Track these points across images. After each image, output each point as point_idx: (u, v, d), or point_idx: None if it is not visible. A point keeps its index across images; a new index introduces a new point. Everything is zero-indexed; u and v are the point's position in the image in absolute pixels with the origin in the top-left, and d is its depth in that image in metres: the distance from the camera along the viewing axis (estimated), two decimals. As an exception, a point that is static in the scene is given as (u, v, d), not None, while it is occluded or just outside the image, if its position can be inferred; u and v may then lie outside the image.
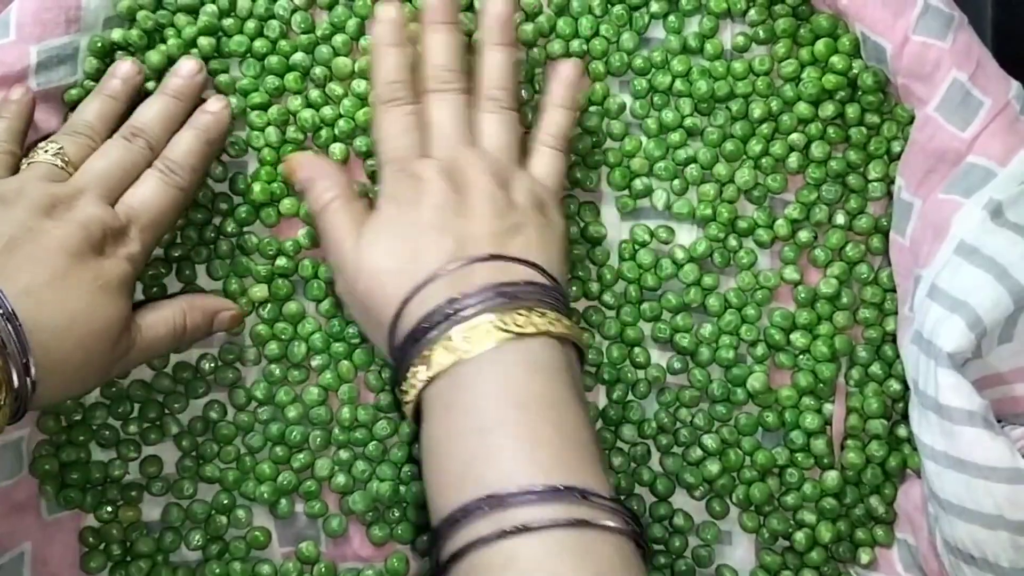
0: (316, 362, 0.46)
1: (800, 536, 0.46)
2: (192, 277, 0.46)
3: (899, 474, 0.47)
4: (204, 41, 0.45)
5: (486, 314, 0.37)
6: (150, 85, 0.45)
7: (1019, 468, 0.39)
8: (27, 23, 0.43)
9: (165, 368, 0.45)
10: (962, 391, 0.40)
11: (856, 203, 0.47)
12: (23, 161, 0.42)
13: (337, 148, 0.46)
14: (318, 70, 0.46)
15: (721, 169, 0.47)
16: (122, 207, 0.41)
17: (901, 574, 0.46)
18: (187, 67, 0.44)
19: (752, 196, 0.47)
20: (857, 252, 0.47)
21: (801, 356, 0.47)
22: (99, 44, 0.44)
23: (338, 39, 0.46)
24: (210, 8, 0.46)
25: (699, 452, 0.46)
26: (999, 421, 0.41)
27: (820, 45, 0.46)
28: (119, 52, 0.45)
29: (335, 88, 0.46)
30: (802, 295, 0.47)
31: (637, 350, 0.47)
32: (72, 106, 0.44)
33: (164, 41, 0.45)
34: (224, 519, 0.45)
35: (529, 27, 0.46)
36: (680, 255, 0.47)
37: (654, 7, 0.47)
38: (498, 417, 0.36)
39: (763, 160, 0.47)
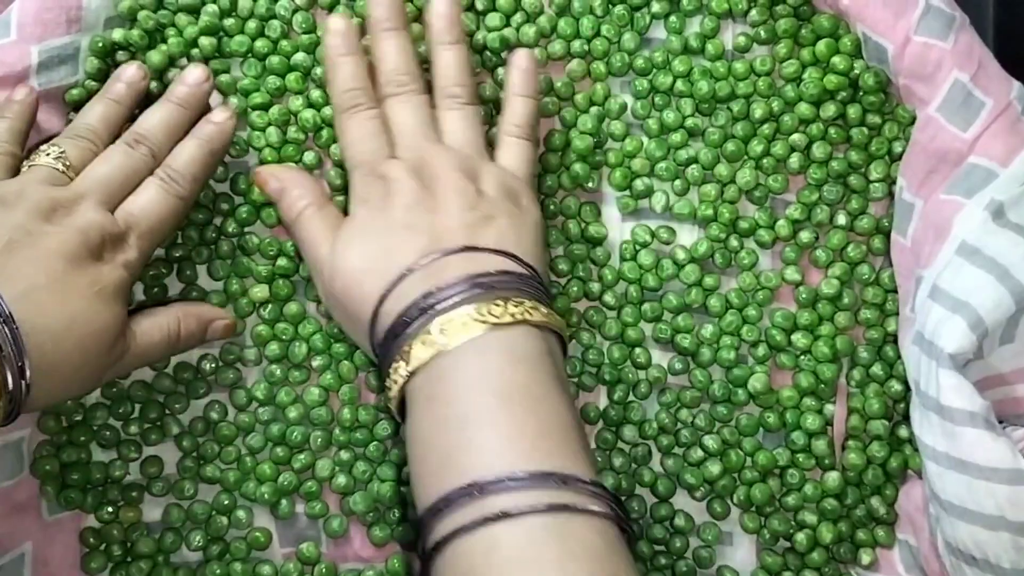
0: (317, 363, 0.46)
1: (801, 537, 0.46)
2: (193, 277, 0.45)
3: (900, 475, 0.47)
4: (205, 41, 0.45)
5: (462, 306, 0.38)
6: (152, 86, 0.45)
7: (1020, 469, 0.39)
8: (28, 23, 0.43)
9: (166, 369, 0.45)
10: (963, 392, 0.40)
11: (857, 204, 0.47)
12: (24, 163, 0.42)
13: (338, 149, 0.45)
14: (319, 70, 0.46)
15: (722, 169, 0.47)
16: (122, 214, 0.41)
17: (902, 575, 0.46)
18: (194, 75, 0.44)
19: (753, 196, 0.47)
20: (858, 253, 0.47)
21: (802, 357, 0.47)
22: (100, 44, 0.44)
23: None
24: (211, 8, 0.46)
25: (700, 453, 0.46)
26: (1000, 422, 0.41)
27: (821, 45, 0.46)
28: (120, 52, 0.45)
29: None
30: (803, 296, 0.47)
31: (638, 351, 0.47)
32: (73, 106, 0.44)
33: (165, 41, 0.45)
34: (225, 520, 0.45)
35: (531, 29, 0.46)
36: (681, 256, 0.47)
37: (655, 7, 0.47)
38: (478, 407, 0.36)
39: (764, 160, 0.47)
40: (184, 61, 0.46)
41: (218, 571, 0.45)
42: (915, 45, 0.44)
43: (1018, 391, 0.42)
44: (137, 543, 0.45)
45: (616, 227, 0.47)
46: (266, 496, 0.45)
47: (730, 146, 0.47)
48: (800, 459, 0.46)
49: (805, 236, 0.47)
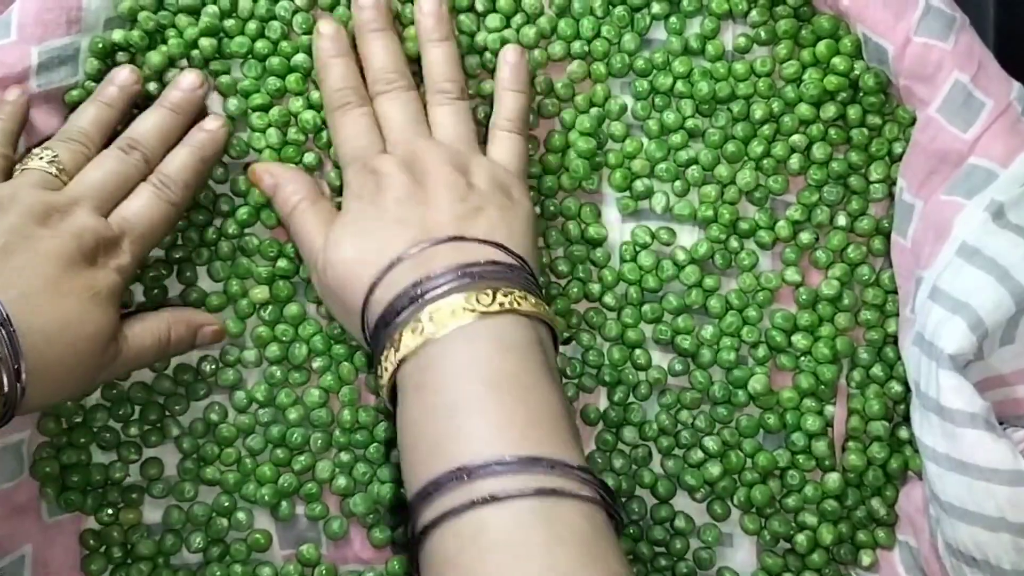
0: (317, 364, 0.46)
1: (801, 538, 0.46)
2: (193, 279, 0.45)
3: (900, 476, 0.47)
4: (205, 42, 0.45)
5: (451, 295, 0.38)
6: (152, 87, 0.45)
7: (1021, 470, 0.39)
8: (28, 24, 0.43)
9: (166, 370, 0.45)
10: (964, 393, 0.40)
11: (857, 204, 0.47)
12: (16, 166, 0.42)
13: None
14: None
15: (722, 170, 0.47)
16: (116, 219, 0.42)
17: (902, 576, 0.46)
18: (188, 80, 0.44)
19: (753, 197, 0.47)
20: (858, 254, 0.47)
21: (802, 358, 0.47)
22: (100, 45, 0.44)
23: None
24: (211, 9, 0.46)
25: (700, 454, 0.46)
26: (1001, 423, 0.41)
27: (822, 46, 0.46)
28: (120, 53, 0.45)
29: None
30: (803, 297, 0.47)
31: (638, 352, 0.47)
32: (73, 107, 0.44)
33: (165, 42, 0.45)
34: (225, 521, 0.45)
35: (531, 30, 0.46)
36: (681, 257, 0.47)
37: (655, 8, 0.47)
38: (467, 395, 0.37)
39: (764, 161, 0.47)
40: (184, 62, 0.46)
41: (218, 573, 0.45)
42: (915, 46, 0.44)
43: (1018, 392, 0.42)
44: (137, 545, 0.45)
45: (616, 228, 0.47)
46: (266, 498, 0.45)
47: (730, 147, 0.47)
48: (800, 460, 0.46)
49: (805, 237, 0.47)
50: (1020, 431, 0.41)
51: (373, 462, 0.45)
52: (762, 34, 0.47)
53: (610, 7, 0.47)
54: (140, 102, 0.45)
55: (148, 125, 0.43)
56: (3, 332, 0.36)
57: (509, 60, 0.45)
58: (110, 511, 0.45)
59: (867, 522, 0.47)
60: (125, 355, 0.41)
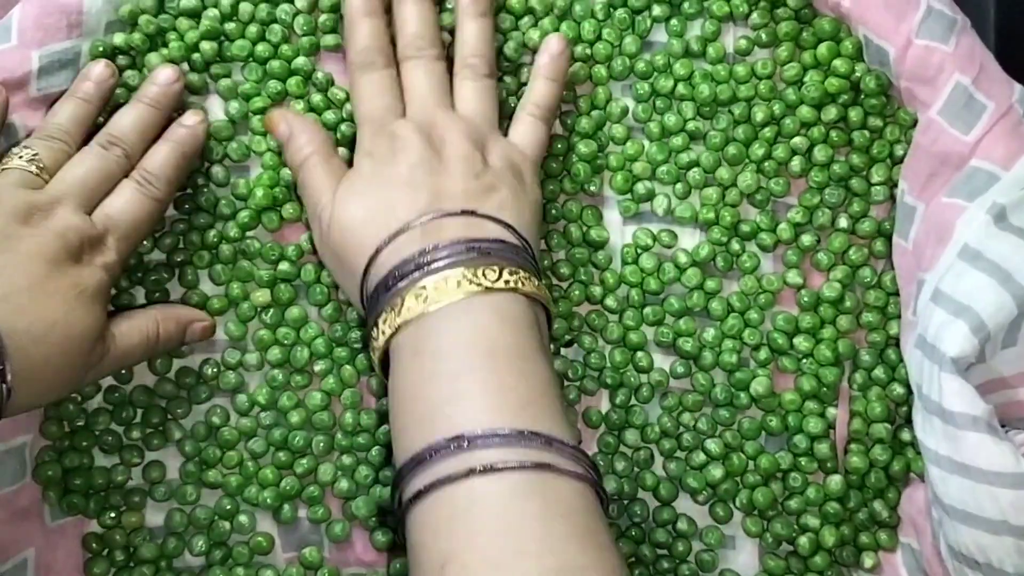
0: (319, 367, 0.46)
1: (804, 540, 0.46)
2: (195, 282, 0.45)
3: (903, 478, 0.47)
4: (206, 45, 0.45)
5: (457, 267, 0.38)
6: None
7: (1023, 473, 0.39)
8: (29, 28, 0.43)
9: (168, 373, 0.45)
10: (966, 396, 0.40)
11: (859, 207, 0.47)
12: None
13: (341, 152, 0.45)
14: (320, 74, 0.46)
15: (724, 173, 0.47)
16: (100, 216, 0.41)
17: (905, 578, 0.46)
18: (164, 75, 0.44)
19: (755, 200, 0.47)
20: (860, 256, 0.47)
21: (804, 360, 0.47)
22: (101, 49, 0.44)
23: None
24: (212, 12, 0.46)
25: (702, 456, 0.46)
26: (1003, 426, 0.41)
27: (823, 48, 0.46)
28: (121, 56, 0.45)
29: (337, 92, 0.46)
30: (805, 299, 0.47)
31: (640, 354, 0.47)
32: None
33: (166, 45, 0.45)
34: (227, 524, 0.45)
35: (536, 33, 0.46)
36: (683, 259, 0.47)
37: (656, 11, 0.47)
38: (466, 363, 0.37)
39: (766, 164, 0.47)
40: (185, 65, 0.46)
41: (220, 576, 0.45)
42: (916, 48, 0.44)
43: (1020, 395, 0.42)
44: (140, 548, 0.45)
45: (618, 231, 0.47)
46: (268, 501, 0.45)
47: (731, 149, 0.47)
48: (802, 463, 0.46)
49: (807, 239, 0.47)
50: (1022, 434, 0.41)
51: (375, 465, 0.45)
52: (763, 36, 0.47)
53: (611, 10, 0.47)
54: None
55: (127, 120, 0.43)
56: None
57: (551, 49, 0.45)
58: (112, 514, 0.45)
59: (869, 524, 0.47)
60: (113, 354, 0.41)
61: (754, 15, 0.47)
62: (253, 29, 0.46)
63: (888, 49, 0.44)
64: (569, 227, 0.47)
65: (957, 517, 0.40)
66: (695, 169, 0.47)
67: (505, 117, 0.46)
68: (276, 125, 0.44)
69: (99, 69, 0.44)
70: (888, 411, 0.46)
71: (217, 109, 0.46)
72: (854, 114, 0.46)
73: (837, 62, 0.46)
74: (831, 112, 0.46)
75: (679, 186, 0.47)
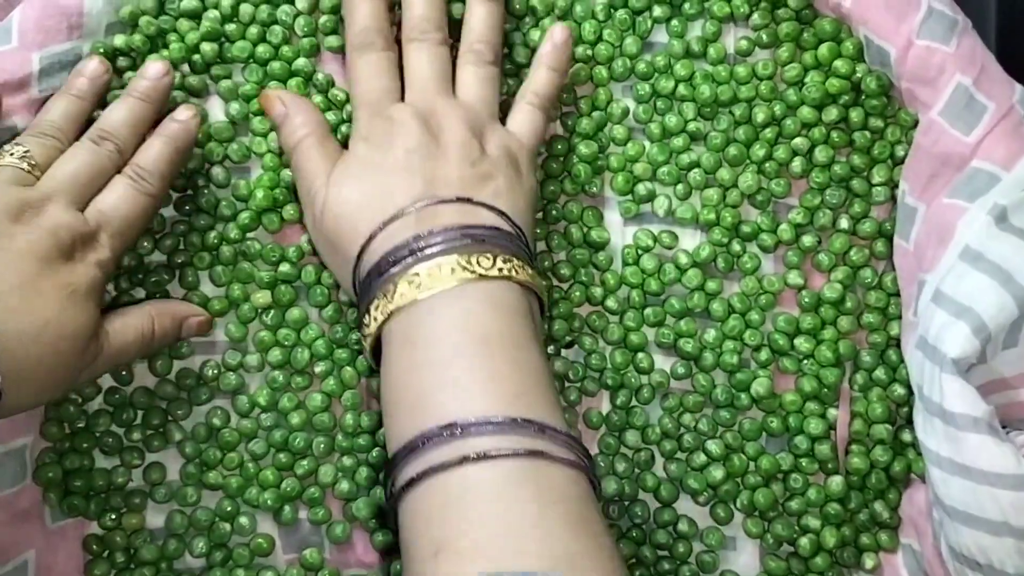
0: (319, 368, 0.46)
1: (804, 541, 0.46)
2: (195, 283, 0.45)
3: (904, 479, 0.47)
4: (207, 46, 0.45)
5: (451, 254, 0.38)
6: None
7: (1024, 474, 0.39)
8: (29, 30, 0.43)
9: (168, 375, 0.45)
10: (967, 397, 0.40)
11: (860, 207, 0.47)
12: None
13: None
14: (321, 76, 0.46)
15: (724, 174, 0.47)
16: (92, 212, 0.41)
17: (906, 579, 0.46)
18: (154, 69, 0.43)
19: (755, 201, 0.47)
20: (861, 256, 0.47)
21: (805, 361, 0.47)
22: (101, 50, 0.44)
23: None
24: (212, 13, 0.46)
25: (703, 457, 0.46)
26: (1004, 427, 0.41)
27: (823, 49, 0.46)
28: (121, 58, 0.45)
29: (338, 94, 0.46)
30: (806, 300, 0.47)
31: (641, 355, 0.46)
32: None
33: (167, 47, 0.45)
34: (228, 526, 0.45)
35: (536, 33, 0.46)
36: (683, 260, 0.47)
37: (657, 11, 0.47)
38: (459, 350, 0.37)
39: (766, 164, 0.47)
40: (186, 67, 0.46)
41: (221, 577, 0.45)
42: (917, 49, 0.44)
43: (1022, 396, 0.42)
44: (140, 550, 0.45)
45: (618, 232, 0.47)
46: (269, 502, 0.45)
47: (732, 150, 0.47)
48: (803, 463, 0.46)
49: (807, 240, 0.47)
50: (1023, 435, 0.41)
51: (376, 466, 0.45)
52: (764, 37, 0.47)
53: (611, 11, 0.47)
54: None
55: (118, 115, 0.43)
56: None
57: (555, 38, 0.45)
58: (113, 516, 0.45)
59: (870, 525, 0.47)
60: (108, 352, 0.41)
61: (755, 16, 0.47)
62: (254, 30, 0.46)
63: (889, 50, 0.44)
64: (570, 228, 0.47)
65: (958, 518, 0.40)
66: (696, 170, 0.47)
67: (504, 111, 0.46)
68: (272, 105, 0.44)
69: (93, 65, 0.43)
70: (889, 412, 0.46)
71: (218, 110, 0.46)
72: (855, 115, 0.46)
73: (838, 63, 0.46)
74: (832, 113, 0.46)
75: (680, 187, 0.47)
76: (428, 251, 0.39)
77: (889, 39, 0.44)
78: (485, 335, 0.37)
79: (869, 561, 0.46)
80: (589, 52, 0.47)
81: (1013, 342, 0.41)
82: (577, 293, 0.47)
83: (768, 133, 0.47)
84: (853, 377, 0.47)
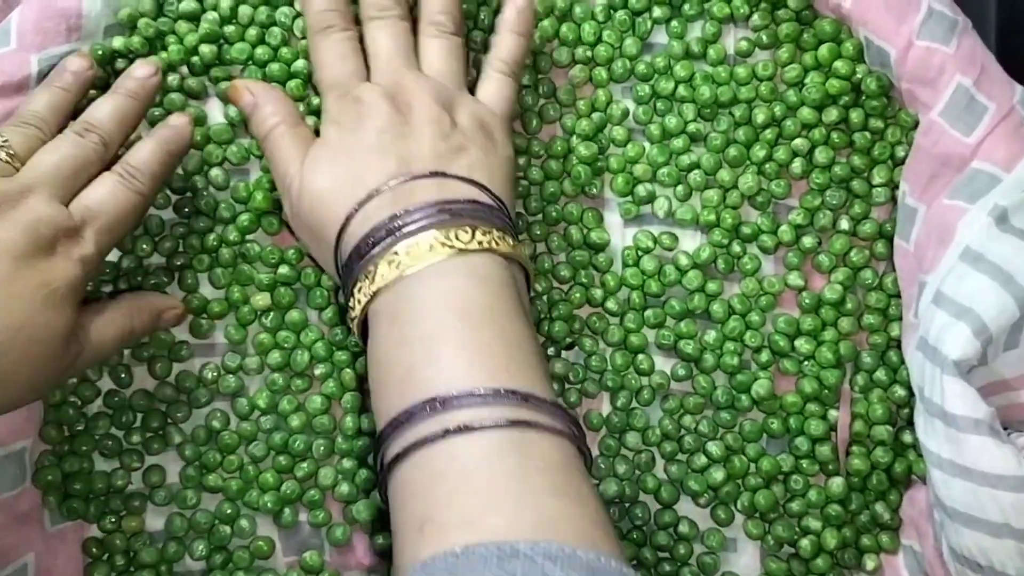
0: (319, 371, 0.45)
1: (805, 543, 0.46)
2: (195, 286, 0.45)
3: (904, 480, 0.47)
4: (206, 48, 0.45)
5: (429, 230, 0.38)
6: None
7: (1026, 475, 0.39)
8: (28, 32, 0.43)
9: (168, 377, 0.45)
10: (968, 399, 0.40)
11: (860, 208, 0.47)
12: None
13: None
14: (320, 77, 0.46)
15: (724, 175, 0.47)
16: (77, 207, 0.39)
17: (906, 581, 0.46)
18: (142, 70, 0.43)
19: (756, 202, 0.47)
20: (861, 257, 0.47)
21: (806, 362, 0.47)
22: (100, 52, 0.44)
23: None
24: (211, 15, 0.45)
25: (704, 459, 0.46)
26: (1005, 428, 0.41)
27: (823, 50, 0.46)
28: (120, 60, 0.45)
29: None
30: (806, 301, 0.47)
31: (641, 357, 0.46)
32: (74, 115, 0.44)
33: (165, 48, 0.45)
34: (228, 529, 0.45)
35: (536, 35, 0.46)
36: (684, 261, 0.47)
37: (656, 12, 0.47)
38: (442, 325, 0.37)
39: (767, 165, 0.47)
40: (184, 69, 0.46)
41: (221, 580, 0.45)
42: (917, 49, 0.44)
43: (1022, 397, 0.42)
44: (140, 553, 0.44)
45: (618, 233, 0.47)
46: (269, 505, 0.45)
47: (732, 151, 0.47)
48: (804, 465, 0.46)
49: (808, 241, 0.47)
50: (1024, 436, 0.41)
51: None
52: (764, 38, 0.47)
53: (611, 12, 0.47)
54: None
55: (104, 109, 0.42)
56: None
57: (517, 3, 0.44)
58: (112, 519, 0.44)
59: (871, 526, 0.46)
60: (88, 351, 0.40)
61: (755, 17, 0.47)
62: (252, 32, 0.46)
63: (889, 50, 0.44)
64: (570, 229, 0.47)
65: (959, 520, 0.40)
66: (696, 171, 0.47)
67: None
68: (240, 95, 0.44)
69: (78, 61, 0.42)
70: (890, 413, 0.46)
71: (216, 112, 0.46)
72: (855, 116, 0.46)
73: (838, 63, 0.46)
74: (832, 114, 0.46)
75: (680, 188, 0.47)
76: (406, 229, 0.38)
77: (889, 40, 0.44)
78: (468, 309, 0.37)
79: (870, 562, 0.46)
80: (589, 53, 0.47)
81: (1014, 343, 0.41)
82: (577, 295, 0.46)
83: (768, 134, 0.47)
84: (854, 378, 0.47)
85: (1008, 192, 0.42)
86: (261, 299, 0.45)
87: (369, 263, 0.39)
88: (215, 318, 0.45)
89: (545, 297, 0.46)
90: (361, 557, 0.46)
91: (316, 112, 0.46)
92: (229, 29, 0.46)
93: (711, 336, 0.47)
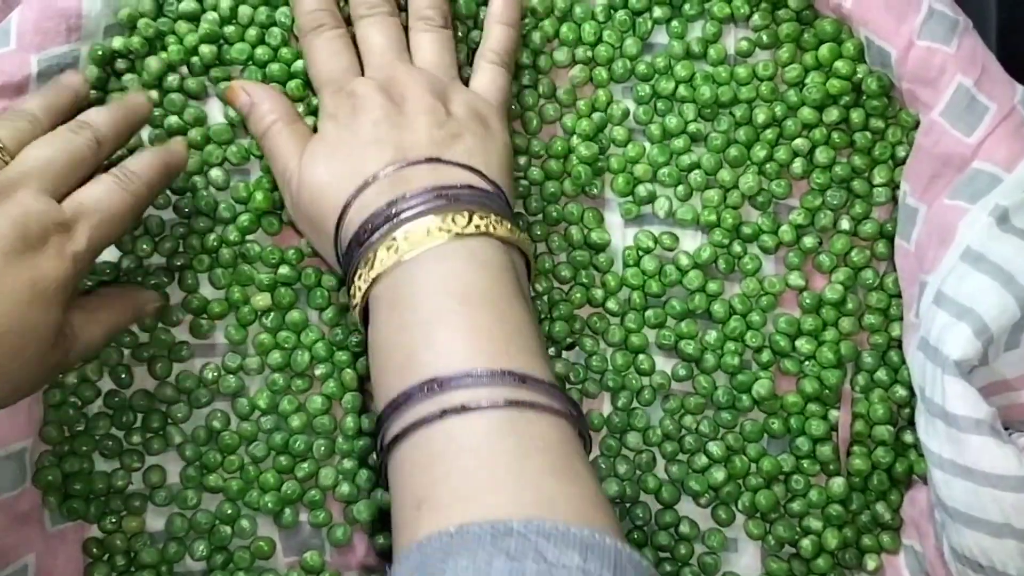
0: (319, 371, 0.45)
1: (806, 543, 0.46)
2: (195, 286, 0.45)
3: (905, 480, 0.47)
4: (205, 49, 0.45)
5: (427, 216, 0.38)
6: (152, 95, 0.45)
7: (1027, 476, 0.39)
8: (28, 32, 0.43)
9: (168, 378, 0.45)
10: (969, 399, 0.40)
11: (861, 208, 0.47)
12: None
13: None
14: (320, 77, 0.46)
15: (725, 175, 0.47)
16: (71, 203, 0.38)
17: (907, 581, 0.46)
18: (136, 98, 0.43)
19: (756, 202, 0.47)
20: (862, 257, 0.47)
21: (806, 362, 0.47)
22: (100, 52, 0.44)
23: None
24: (211, 15, 0.45)
25: (704, 459, 0.46)
26: (1006, 428, 0.41)
27: (824, 50, 0.46)
28: (120, 60, 0.45)
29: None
30: (807, 301, 0.47)
31: (642, 357, 0.46)
32: (74, 116, 0.44)
33: (165, 49, 0.45)
34: (228, 529, 0.45)
35: (537, 35, 0.46)
36: (684, 261, 0.47)
37: (657, 12, 0.47)
38: (440, 308, 0.37)
39: (767, 165, 0.47)
40: (184, 69, 0.46)
41: (222, 581, 0.45)
42: (918, 49, 0.44)
43: (1023, 397, 0.42)
44: (140, 553, 0.44)
45: (619, 233, 0.47)
46: (269, 505, 0.45)
47: (733, 151, 0.47)
48: (805, 465, 0.46)
49: (808, 241, 0.47)
50: (1026, 436, 0.41)
51: (376, 468, 0.45)
52: (764, 38, 0.47)
53: (611, 12, 0.47)
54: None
55: (100, 111, 0.41)
56: None
57: None
58: (113, 519, 0.44)
59: (872, 527, 0.46)
60: (76, 349, 0.39)
61: (755, 16, 0.47)
62: (252, 32, 0.46)
63: (890, 50, 0.44)
64: (570, 229, 0.47)
65: (960, 520, 0.40)
66: (696, 171, 0.47)
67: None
68: (236, 96, 0.44)
69: (74, 74, 0.42)
70: (890, 413, 0.46)
71: (217, 112, 0.46)
72: (856, 116, 0.46)
73: (839, 63, 0.46)
74: (833, 114, 0.46)
75: (680, 188, 0.47)
76: (404, 215, 0.39)
77: (890, 40, 0.44)
78: (466, 292, 0.38)
79: (871, 562, 0.46)
80: (589, 54, 0.47)
81: (1015, 343, 0.41)
82: (578, 295, 0.46)
83: (769, 134, 0.47)
84: (854, 378, 0.47)
85: (1009, 192, 0.42)
86: (261, 299, 0.45)
87: (368, 250, 0.39)
88: (215, 318, 0.45)
89: (546, 297, 0.46)
90: (362, 557, 0.46)
91: (316, 112, 0.45)
92: (229, 29, 0.46)
93: (712, 336, 0.46)
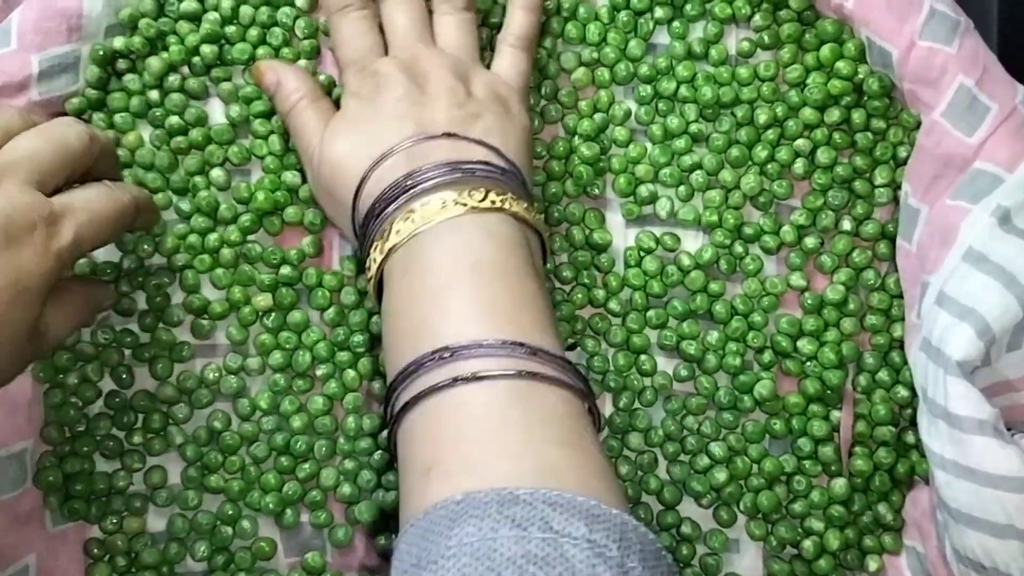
0: (321, 371, 0.45)
1: (808, 544, 0.46)
2: (196, 286, 0.45)
3: (907, 481, 0.46)
4: (207, 49, 0.45)
5: (443, 189, 0.39)
6: (153, 95, 0.45)
7: (1029, 476, 0.39)
8: (28, 32, 0.43)
9: (169, 378, 0.45)
10: (971, 400, 0.40)
11: (862, 209, 0.47)
12: None
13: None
14: (323, 77, 0.46)
15: (726, 175, 0.47)
16: (59, 199, 0.37)
17: (909, 582, 0.46)
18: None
19: (758, 202, 0.47)
20: (864, 258, 0.47)
21: (808, 363, 0.47)
22: (101, 52, 0.44)
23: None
24: (212, 15, 0.45)
25: (706, 460, 0.46)
26: (1008, 429, 0.41)
27: (825, 50, 0.46)
28: (121, 60, 0.45)
29: (339, 94, 0.46)
30: (809, 301, 0.47)
31: (643, 357, 0.46)
32: (74, 115, 0.44)
33: (166, 49, 0.45)
34: (229, 530, 0.45)
35: (547, 40, 0.47)
36: (686, 262, 0.47)
37: (658, 13, 0.47)
38: (453, 278, 0.38)
39: (769, 166, 0.47)
40: (185, 69, 0.46)
41: (223, 581, 0.45)
42: (920, 50, 0.44)
43: (1026, 397, 0.42)
44: (141, 554, 0.44)
45: (620, 233, 0.47)
46: (271, 506, 0.45)
47: (734, 151, 0.46)
48: (807, 466, 0.46)
49: (810, 242, 0.47)
50: (1028, 437, 0.41)
51: (378, 469, 0.45)
52: (765, 38, 0.47)
53: (614, 12, 0.47)
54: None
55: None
56: None
57: None
58: (114, 520, 0.44)
59: (874, 527, 0.46)
60: (46, 344, 0.38)
61: (756, 17, 0.47)
62: (254, 32, 0.46)
63: (891, 51, 0.44)
64: (572, 230, 0.47)
65: (963, 521, 0.40)
66: (698, 171, 0.47)
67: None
68: (263, 75, 0.45)
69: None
70: (892, 414, 0.46)
71: (218, 113, 0.46)
72: (857, 116, 0.46)
73: (840, 64, 0.46)
74: (834, 114, 0.46)
75: (682, 188, 0.47)
76: (420, 187, 0.39)
77: (891, 40, 0.44)
78: (478, 262, 0.38)
79: (873, 563, 0.46)
80: (595, 55, 0.47)
81: (1017, 344, 0.41)
82: (579, 295, 0.46)
83: (770, 134, 0.47)
84: (856, 379, 0.47)
85: (1011, 192, 0.42)
86: (263, 300, 0.45)
87: (384, 222, 0.39)
88: (217, 319, 0.45)
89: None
90: (363, 558, 0.46)
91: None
92: (230, 29, 0.46)
93: (713, 337, 0.46)
